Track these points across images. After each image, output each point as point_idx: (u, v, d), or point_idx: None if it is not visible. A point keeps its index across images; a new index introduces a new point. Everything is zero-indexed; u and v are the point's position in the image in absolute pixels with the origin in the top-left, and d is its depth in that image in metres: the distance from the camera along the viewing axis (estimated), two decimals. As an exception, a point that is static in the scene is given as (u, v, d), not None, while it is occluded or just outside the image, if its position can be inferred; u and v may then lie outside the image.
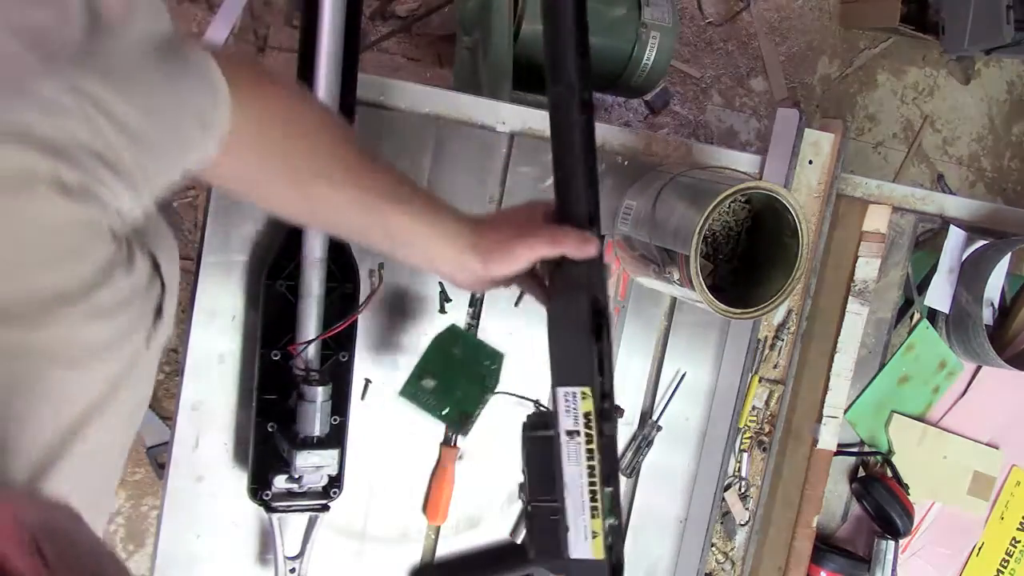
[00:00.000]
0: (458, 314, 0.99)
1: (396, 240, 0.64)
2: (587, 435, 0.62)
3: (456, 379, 0.98)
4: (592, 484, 0.62)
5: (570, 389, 0.62)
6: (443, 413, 0.98)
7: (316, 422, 0.85)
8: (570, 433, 0.62)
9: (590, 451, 0.62)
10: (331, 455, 0.85)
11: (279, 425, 0.88)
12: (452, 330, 0.98)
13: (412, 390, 0.97)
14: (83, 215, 0.39)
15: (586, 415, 0.62)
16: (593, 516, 0.63)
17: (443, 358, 0.98)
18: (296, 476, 0.86)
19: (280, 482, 0.87)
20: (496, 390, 0.99)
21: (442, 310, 0.97)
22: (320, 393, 0.85)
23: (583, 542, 0.63)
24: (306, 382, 0.85)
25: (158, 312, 0.52)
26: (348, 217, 0.62)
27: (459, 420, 0.99)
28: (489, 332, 0.99)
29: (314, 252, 0.85)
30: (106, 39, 0.41)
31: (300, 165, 0.57)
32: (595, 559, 0.63)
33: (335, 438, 0.88)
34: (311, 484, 0.88)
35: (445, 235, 0.63)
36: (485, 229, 0.65)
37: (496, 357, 0.99)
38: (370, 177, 0.61)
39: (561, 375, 0.63)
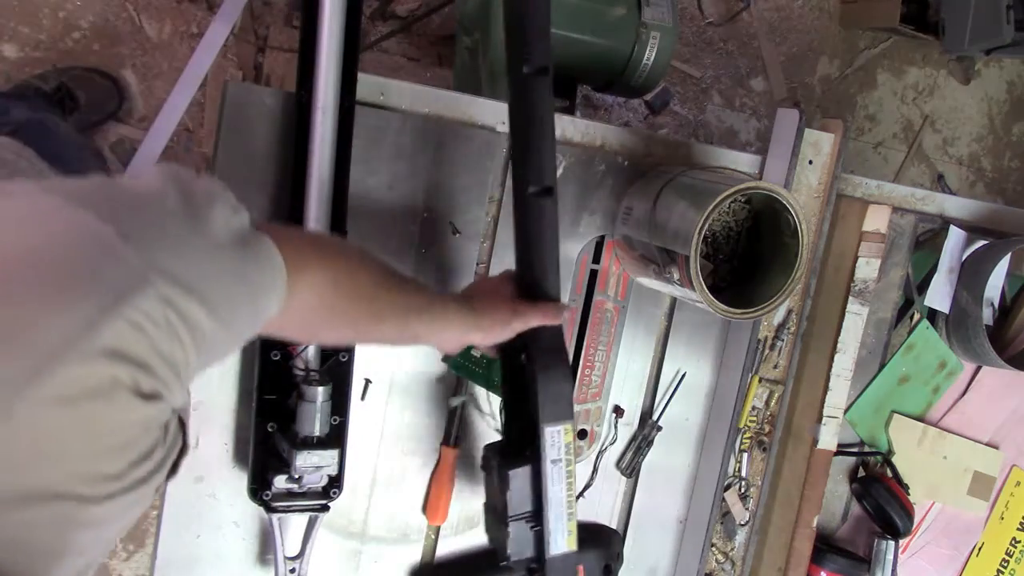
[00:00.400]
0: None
1: (415, 341, 0.76)
2: (567, 460, 0.77)
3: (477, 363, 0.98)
4: (570, 497, 0.78)
5: (555, 427, 0.76)
6: (495, 382, 0.98)
7: (316, 422, 0.85)
8: (554, 461, 0.77)
9: (569, 472, 0.78)
10: (331, 455, 0.85)
11: (279, 425, 0.88)
12: None
13: (460, 360, 0.97)
14: (148, 414, 0.43)
15: (567, 445, 0.77)
16: (569, 520, 0.79)
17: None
18: (296, 476, 0.86)
19: (280, 482, 0.86)
20: None
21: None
22: (320, 393, 0.85)
23: (562, 541, 0.79)
24: (306, 382, 0.85)
25: (174, 468, 0.58)
26: (387, 337, 0.76)
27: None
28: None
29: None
30: (196, 230, 0.47)
31: (357, 317, 0.66)
32: (571, 550, 0.80)
33: (335, 438, 0.88)
34: (311, 484, 0.88)
35: (451, 325, 0.74)
36: (482, 308, 0.77)
37: None
38: (404, 303, 0.71)
39: (547, 415, 0.76)
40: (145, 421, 0.44)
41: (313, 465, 0.85)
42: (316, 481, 0.88)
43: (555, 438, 0.77)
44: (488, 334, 0.77)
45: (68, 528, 0.43)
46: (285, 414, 0.87)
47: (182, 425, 0.58)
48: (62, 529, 0.43)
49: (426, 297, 0.74)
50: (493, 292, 0.80)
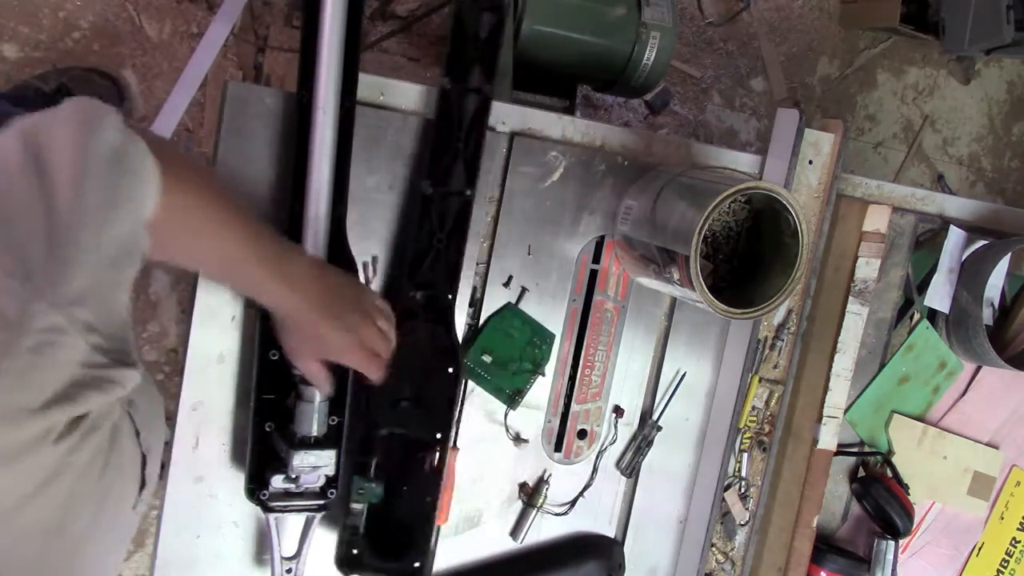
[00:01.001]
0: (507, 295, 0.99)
1: (255, 286, 0.74)
2: None
3: (511, 356, 0.99)
4: None
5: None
6: (507, 393, 0.99)
7: (314, 422, 0.85)
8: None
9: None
10: (328, 455, 0.85)
11: (277, 425, 0.87)
12: (509, 308, 0.99)
13: (473, 367, 0.97)
14: (52, 323, 0.49)
15: None
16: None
17: (500, 336, 0.99)
18: (293, 476, 0.86)
19: (277, 482, 0.86)
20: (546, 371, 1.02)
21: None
22: (318, 393, 0.85)
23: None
24: (304, 382, 0.85)
25: (142, 483, 0.67)
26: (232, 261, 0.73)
27: (512, 396, 1.00)
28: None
29: (311, 249, 0.85)
30: (65, 246, 0.50)
31: (224, 234, 0.67)
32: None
33: (333, 438, 0.88)
34: (308, 484, 0.88)
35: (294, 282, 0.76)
36: (333, 295, 0.79)
37: (549, 338, 1.01)
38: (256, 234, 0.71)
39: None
40: (45, 341, 0.48)
41: (310, 465, 0.84)
42: (313, 481, 0.88)
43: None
44: (317, 325, 0.76)
45: None
46: (283, 414, 0.87)
47: (138, 434, 0.62)
48: None
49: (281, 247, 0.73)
50: (357, 297, 0.80)
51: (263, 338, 0.87)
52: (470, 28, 0.91)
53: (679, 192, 0.90)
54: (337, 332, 0.76)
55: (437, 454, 0.92)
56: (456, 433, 0.99)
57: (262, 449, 0.88)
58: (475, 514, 1.02)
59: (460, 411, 0.99)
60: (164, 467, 0.90)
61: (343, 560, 0.91)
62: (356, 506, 0.90)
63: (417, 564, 0.93)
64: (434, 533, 0.95)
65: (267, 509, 0.87)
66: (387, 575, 0.92)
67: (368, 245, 0.94)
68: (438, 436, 0.92)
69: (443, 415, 0.93)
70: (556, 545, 1.05)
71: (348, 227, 0.89)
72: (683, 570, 1.09)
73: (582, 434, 1.04)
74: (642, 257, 0.95)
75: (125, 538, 0.74)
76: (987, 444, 1.20)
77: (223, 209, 0.66)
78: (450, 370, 0.93)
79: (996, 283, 1.17)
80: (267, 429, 0.88)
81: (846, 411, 1.12)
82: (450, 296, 0.92)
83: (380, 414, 0.91)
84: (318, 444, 0.85)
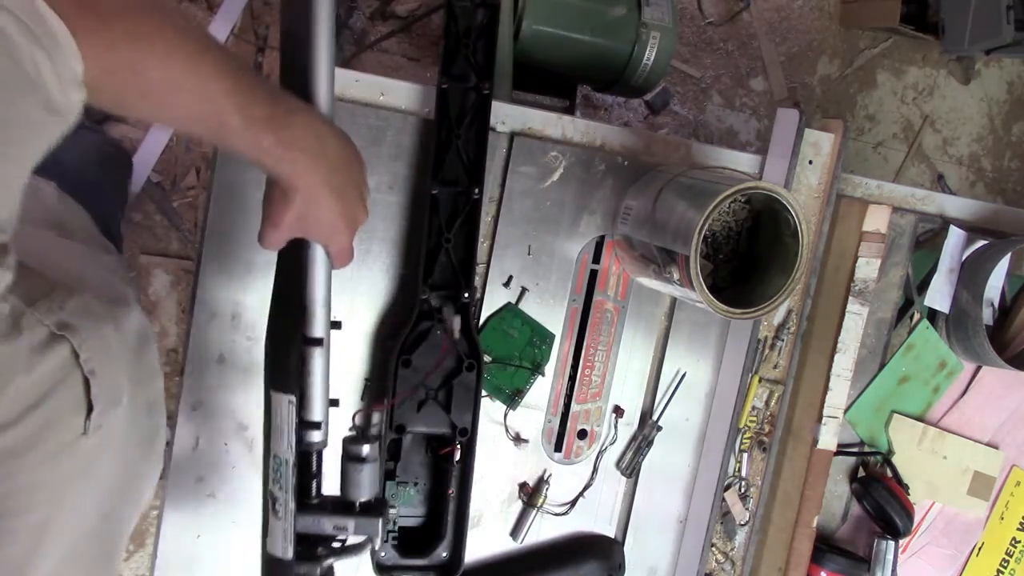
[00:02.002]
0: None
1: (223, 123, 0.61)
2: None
3: (511, 356, 0.99)
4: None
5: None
6: (507, 393, 1.00)
7: (365, 486, 0.75)
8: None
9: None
10: (373, 524, 0.75)
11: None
12: (509, 308, 0.99)
13: None
14: None
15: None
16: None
17: (499, 336, 0.99)
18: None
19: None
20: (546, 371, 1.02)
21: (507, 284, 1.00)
22: (367, 448, 0.75)
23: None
24: (354, 441, 0.75)
25: (89, 406, 0.60)
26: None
27: (512, 396, 1.00)
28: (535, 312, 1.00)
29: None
30: None
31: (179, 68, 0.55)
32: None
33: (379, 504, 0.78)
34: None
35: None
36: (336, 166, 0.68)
37: (549, 338, 1.01)
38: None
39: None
40: None
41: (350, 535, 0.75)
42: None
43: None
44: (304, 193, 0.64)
45: None
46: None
47: (77, 356, 0.59)
48: None
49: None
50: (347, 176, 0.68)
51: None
52: (463, 24, 0.91)
53: (679, 192, 0.90)
54: (333, 212, 0.67)
55: (459, 449, 0.93)
56: (508, 408, 1.00)
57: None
58: (475, 514, 1.02)
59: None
60: (169, 444, 0.88)
61: (380, 565, 0.92)
62: (391, 511, 0.90)
63: (446, 555, 0.93)
64: (467, 525, 0.95)
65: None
66: (421, 571, 0.92)
67: (368, 245, 0.94)
68: (462, 430, 0.93)
69: (466, 410, 0.93)
70: (556, 545, 1.05)
71: (348, 227, 0.89)
72: (683, 570, 1.09)
73: (582, 434, 1.04)
74: (642, 257, 0.95)
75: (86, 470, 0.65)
76: (987, 444, 1.20)
77: (191, 62, 0.54)
78: (470, 366, 0.93)
79: (996, 283, 1.17)
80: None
81: (846, 411, 1.12)
82: (466, 295, 0.92)
83: (407, 418, 0.91)
84: (364, 510, 0.74)
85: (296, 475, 0.71)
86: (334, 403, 0.76)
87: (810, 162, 1.06)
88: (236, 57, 0.58)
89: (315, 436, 0.74)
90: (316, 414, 0.73)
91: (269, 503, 0.71)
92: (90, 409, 0.61)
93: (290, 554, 0.70)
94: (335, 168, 0.66)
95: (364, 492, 0.74)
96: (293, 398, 0.70)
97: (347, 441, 0.75)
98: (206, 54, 0.55)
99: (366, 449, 0.73)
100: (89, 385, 0.60)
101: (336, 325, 0.75)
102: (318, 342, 0.73)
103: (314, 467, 0.74)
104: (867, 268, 1.07)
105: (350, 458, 0.74)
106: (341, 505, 0.74)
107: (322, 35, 0.68)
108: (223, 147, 0.62)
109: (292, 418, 0.70)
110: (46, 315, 0.57)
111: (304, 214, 0.66)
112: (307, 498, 0.73)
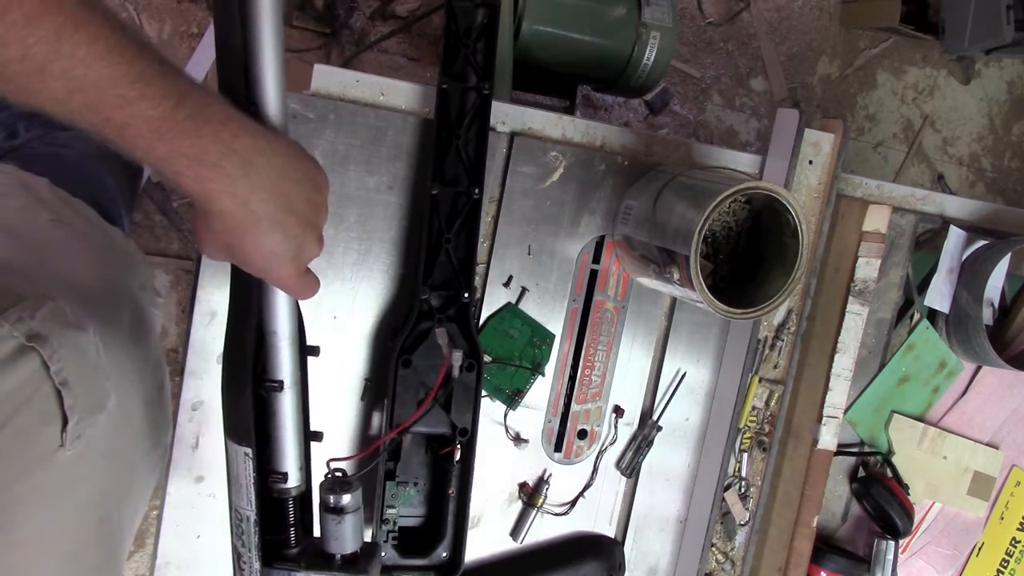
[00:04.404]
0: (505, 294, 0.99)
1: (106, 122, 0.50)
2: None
3: (510, 356, 0.99)
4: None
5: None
6: (507, 393, 1.00)
7: (347, 539, 0.68)
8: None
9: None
10: None
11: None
12: (509, 308, 0.99)
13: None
14: None
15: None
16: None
17: (499, 336, 0.99)
18: None
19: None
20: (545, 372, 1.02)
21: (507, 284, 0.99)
22: (348, 497, 0.69)
23: None
24: (332, 490, 0.68)
25: (64, 418, 0.58)
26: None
27: (512, 396, 1.00)
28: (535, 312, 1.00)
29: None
30: None
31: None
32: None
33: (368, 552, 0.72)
34: None
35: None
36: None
37: (549, 338, 1.01)
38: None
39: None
40: None
41: None
42: None
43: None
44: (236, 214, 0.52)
45: None
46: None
47: (47, 367, 0.57)
48: None
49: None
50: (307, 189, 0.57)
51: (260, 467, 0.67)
52: (463, 24, 0.91)
53: (679, 192, 0.90)
54: (264, 245, 0.55)
55: (459, 449, 0.93)
56: (508, 408, 1.00)
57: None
58: (475, 514, 1.02)
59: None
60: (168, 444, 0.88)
61: (380, 565, 0.92)
62: (391, 511, 0.89)
63: (446, 555, 0.93)
64: (467, 525, 0.95)
65: None
66: (421, 571, 0.92)
67: (368, 245, 0.94)
68: (462, 430, 0.93)
69: (466, 410, 0.93)
70: (556, 545, 1.05)
71: (348, 227, 0.89)
72: (683, 570, 1.09)
73: (582, 434, 1.04)
74: (642, 257, 0.95)
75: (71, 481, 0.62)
76: (987, 444, 1.20)
77: (55, 39, 0.42)
78: (470, 366, 0.93)
79: (996, 283, 1.17)
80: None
81: (846, 411, 1.12)
82: (466, 295, 0.92)
83: (407, 418, 0.91)
84: (346, 563, 0.65)
85: (258, 532, 0.62)
86: (316, 437, 0.66)
87: (810, 162, 1.06)
88: (139, 38, 0.47)
89: (288, 483, 0.64)
90: (284, 463, 0.63)
91: (235, 558, 0.63)
92: (65, 421, 0.59)
93: None
94: (273, 192, 0.53)
95: (346, 545, 0.65)
96: (249, 451, 0.60)
97: (323, 489, 0.65)
98: (80, 30, 0.43)
99: (345, 499, 0.64)
100: (62, 396, 0.59)
101: (313, 351, 0.65)
102: (278, 386, 0.61)
103: (291, 517, 0.65)
104: (867, 268, 1.07)
105: (327, 509, 0.64)
106: (320, 558, 0.65)
107: (264, 20, 0.53)
108: (122, 150, 0.49)
109: (250, 472, 0.60)
110: (16, 325, 0.56)
111: (228, 242, 0.54)
112: (280, 552, 0.65)
